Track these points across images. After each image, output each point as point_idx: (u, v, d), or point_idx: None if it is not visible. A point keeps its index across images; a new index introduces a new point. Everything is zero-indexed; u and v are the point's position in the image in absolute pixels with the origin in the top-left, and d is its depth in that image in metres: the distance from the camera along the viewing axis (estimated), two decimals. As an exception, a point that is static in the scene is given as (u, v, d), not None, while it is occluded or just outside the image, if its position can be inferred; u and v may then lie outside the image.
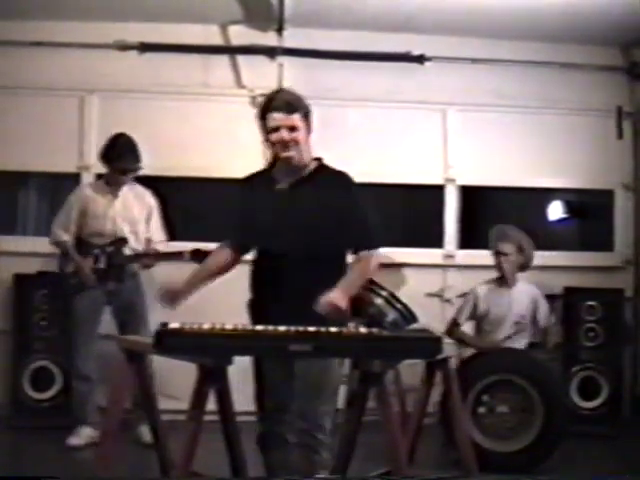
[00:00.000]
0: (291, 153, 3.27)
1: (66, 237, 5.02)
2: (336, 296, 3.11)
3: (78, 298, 5.00)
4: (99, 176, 5.41)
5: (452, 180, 6.09)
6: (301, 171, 3.34)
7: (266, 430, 3.35)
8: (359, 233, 3.29)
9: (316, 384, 3.23)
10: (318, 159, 3.41)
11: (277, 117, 3.26)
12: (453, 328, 5.12)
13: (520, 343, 5.02)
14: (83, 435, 4.86)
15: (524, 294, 5.10)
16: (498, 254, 5.08)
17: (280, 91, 3.47)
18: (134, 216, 5.08)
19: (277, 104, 3.28)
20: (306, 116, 3.32)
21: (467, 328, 5.20)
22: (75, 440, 4.83)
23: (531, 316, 5.09)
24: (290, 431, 3.29)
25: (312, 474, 3.18)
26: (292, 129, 3.26)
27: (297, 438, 3.27)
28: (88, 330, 4.95)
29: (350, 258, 3.37)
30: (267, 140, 3.31)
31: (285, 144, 3.26)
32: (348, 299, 3.17)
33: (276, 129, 3.26)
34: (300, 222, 3.24)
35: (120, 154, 4.94)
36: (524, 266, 5.12)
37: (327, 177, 3.36)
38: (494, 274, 5.14)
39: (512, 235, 5.10)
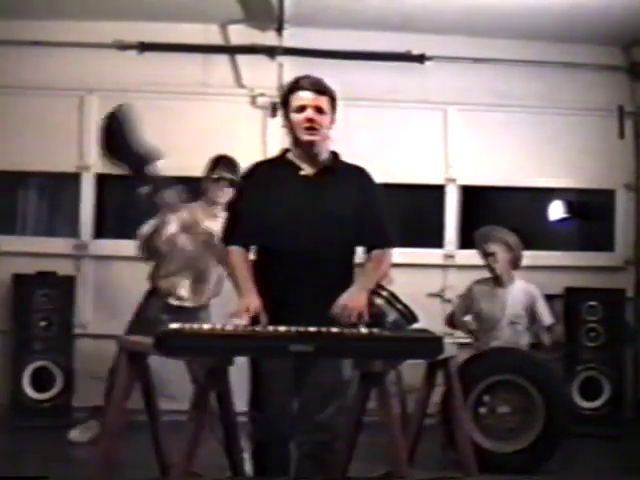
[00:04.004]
0: (315, 137, 3.09)
1: None
2: (356, 297, 3.07)
3: None
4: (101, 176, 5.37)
5: (452, 180, 6.09)
6: (322, 161, 3.17)
7: (266, 442, 3.22)
8: (376, 231, 3.22)
9: (331, 394, 3.19)
10: (335, 153, 3.26)
11: (304, 96, 3.09)
12: (451, 319, 5.21)
13: (519, 343, 5.00)
14: (88, 429, 4.87)
15: (520, 294, 5.07)
16: (486, 256, 5.08)
17: (306, 75, 3.22)
18: None
19: (305, 83, 3.11)
20: (333, 102, 3.15)
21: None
22: (77, 435, 4.85)
23: (529, 316, 5.07)
24: (288, 442, 3.22)
25: None
26: (319, 110, 3.09)
27: (310, 450, 3.21)
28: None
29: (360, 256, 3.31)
30: (289, 122, 3.12)
31: (311, 125, 3.06)
32: (366, 299, 3.13)
33: (302, 109, 3.08)
34: (326, 211, 3.11)
35: None
36: (515, 263, 5.09)
37: (349, 170, 3.23)
38: (492, 274, 5.15)
39: (496, 234, 5.08)
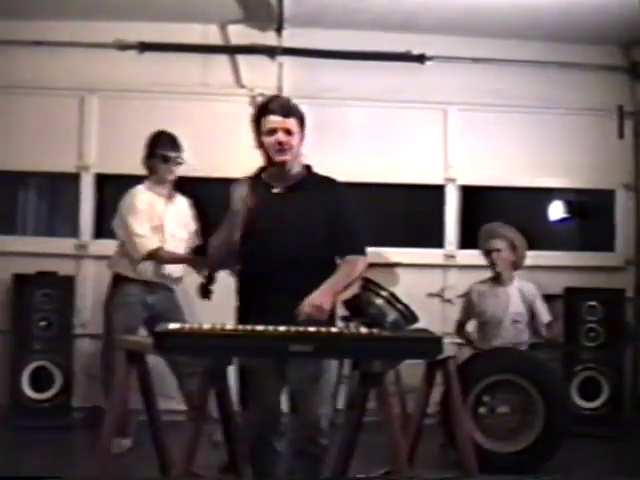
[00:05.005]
0: (287, 157, 3.27)
1: None
2: (319, 297, 3.14)
3: None
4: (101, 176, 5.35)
5: (452, 180, 6.09)
6: (294, 176, 3.34)
7: (257, 441, 3.29)
8: (348, 239, 3.33)
9: (314, 388, 3.22)
10: (307, 166, 3.42)
11: (274, 120, 3.26)
12: (460, 329, 5.20)
13: (520, 342, 5.01)
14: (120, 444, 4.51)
15: (520, 292, 5.09)
16: (489, 252, 5.08)
17: (276, 96, 3.53)
18: None
19: (274, 107, 3.29)
20: (301, 122, 3.33)
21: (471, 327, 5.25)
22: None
23: (528, 314, 5.08)
24: (280, 440, 3.29)
25: None
26: (288, 132, 3.27)
27: (298, 446, 3.26)
28: None
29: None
30: (261, 144, 3.30)
31: (281, 147, 3.25)
32: (332, 298, 3.19)
33: (272, 131, 3.26)
34: (296, 225, 3.25)
35: None
36: (517, 264, 5.10)
37: (319, 183, 3.38)
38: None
39: (503, 232, 5.10)
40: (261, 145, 3.29)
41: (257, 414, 3.27)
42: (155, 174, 4.88)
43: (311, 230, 3.26)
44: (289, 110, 3.30)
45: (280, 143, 3.24)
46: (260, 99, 5.77)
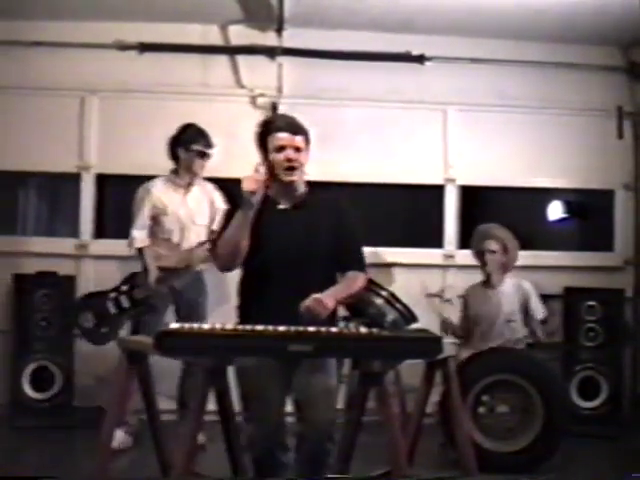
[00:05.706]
0: (295, 174, 3.28)
1: None
2: (322, 295, 3.14)
3: None
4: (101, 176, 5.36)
5: (452, 180, 6.10)
6: (300, 193, 3.36)
7: (262, 455, 3.26)
8: (351, 256, 3.35)
9: (320, 394, 3.21)
10: (309, 183, 3.42)
11: (283, 137, 3.27)
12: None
13: (514, 340, 5.01)
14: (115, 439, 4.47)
15: (512, 291, 5.10)
16: (482, 253, 5.10)
17: (281, 115, 3.58)
18: None
19: (282, 124, 3.30)
20: (307, 140, 3.33)
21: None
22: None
23: (523, 311, 5.09)
24: (286, 453, 3.27)
25: None
26: (297, 150, 3.28)
27: (306, 453, 3.23)
28: None
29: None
30: (268, 161, 3.28)
31: (291, 164, 3.25)
32: (333, 301, 3.19)
33: (281, 148, 3.26)
34: (301, 240, 3.26)
35: None
36: (507, 266, 5.12)
37: (323, 200, 3.39)
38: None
39: (497, 234, 5.12)
40: (267, 163, 3.27)
41: (261, 429, 3.23)
42: (183, 166, 5.01)
43: (315, 245, 3.27)
44: (297, 128, 3.31)
45: (289, 160, 3.25)
46: (263, 96, 5.89)
